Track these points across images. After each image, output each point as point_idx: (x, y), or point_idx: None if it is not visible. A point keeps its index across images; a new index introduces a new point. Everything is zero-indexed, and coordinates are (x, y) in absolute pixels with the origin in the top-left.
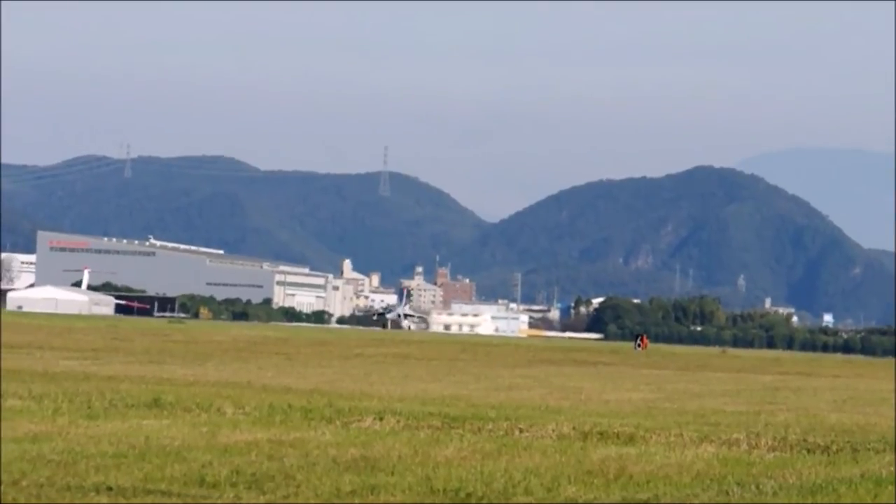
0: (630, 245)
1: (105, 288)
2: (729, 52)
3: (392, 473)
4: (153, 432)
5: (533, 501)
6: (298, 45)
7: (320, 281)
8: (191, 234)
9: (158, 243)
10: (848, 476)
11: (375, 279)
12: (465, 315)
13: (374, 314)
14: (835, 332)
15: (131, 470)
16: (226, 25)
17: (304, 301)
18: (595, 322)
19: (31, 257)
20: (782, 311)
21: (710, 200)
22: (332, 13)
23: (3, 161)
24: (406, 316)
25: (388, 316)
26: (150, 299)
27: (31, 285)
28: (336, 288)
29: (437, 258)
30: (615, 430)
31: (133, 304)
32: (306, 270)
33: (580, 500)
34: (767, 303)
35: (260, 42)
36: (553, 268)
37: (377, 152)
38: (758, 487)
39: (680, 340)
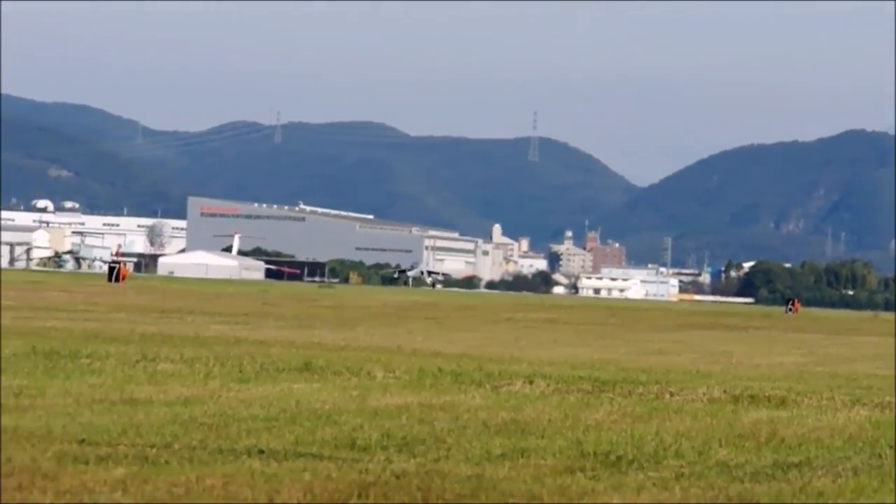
0: (781, 209)
1: (255, 253)
2: (878, 14)
3: (542, 437)
4: (304, 396)
5: (684, 464)
6: (449, 14)
7: (470, 246)
8: (340, 199)
9: (308, 209)
10: None
11: (525, 244)
12: (614, 279)
13: (394, 272)
14: None
15: (282, 433)
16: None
17: (454, 266)
18: (745, 286)
19: (182, 223)
20: None
21: (862, 164)
22: None
23: (154, 128)
24: (430, 273)
25: (410, 273)
26: (300, 264)
27: (182, 251)
28: (486, 253)
29: (587, 223)
30: (766, 394)
31: (283, 269)
32: (455, 235)
33: (731, 463)
34: None
35: (411, 13)
36: (703, 232)
37: (527, 118)
38: None
39: (831, 304)
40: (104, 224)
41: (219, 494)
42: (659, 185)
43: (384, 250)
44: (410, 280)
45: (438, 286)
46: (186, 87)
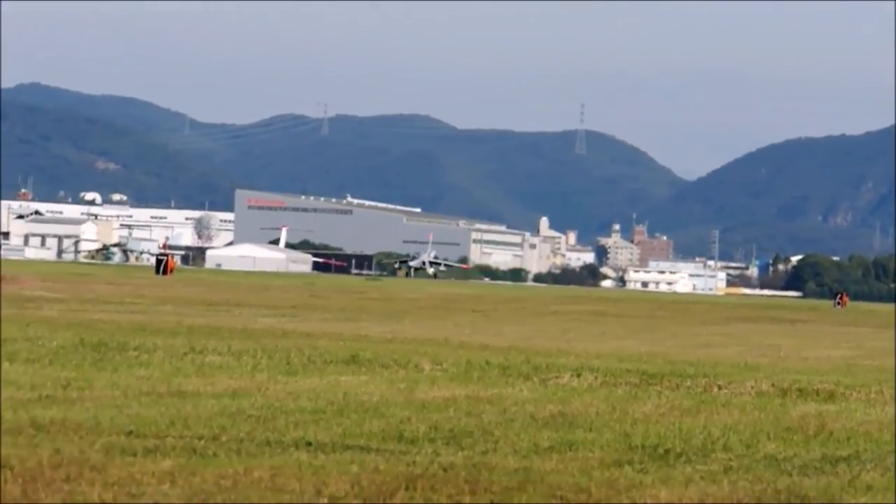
0: (829, 202)
1: (302, 246)
2: None
3: (590, 430)
4: (351, 388)
5: (732, 458)
6: (496, 7)
7: (517, 239)
8: (387, 192)
9: (355, 201)
10: None
11: (572, 237)
12: (662, 273)
13: (396, 262)
14: None
15: (330, 425)
16: None
17: (501, 259)
18: (793, 279)
19: (230, 216)
20: None
21: None
22: None
23: (202, 120)
24: (431, 263)
25: (412, 264)
26: (347, 257)
27: (230, 243)
28: (533, 246)
29: (634, 216)
30: (814, 387)
31: (330, 261)
32: (503, 228)
33: (779, 457)
34: None
35: (457, 6)
36: (751, 225)
37: (574, 110)
38: None
39: (879, 298)
40: (152, 217)
41: (266, 486)
42: (707, 179)
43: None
44: (412, 271)
45: (439, 275)
46: (234, 80)
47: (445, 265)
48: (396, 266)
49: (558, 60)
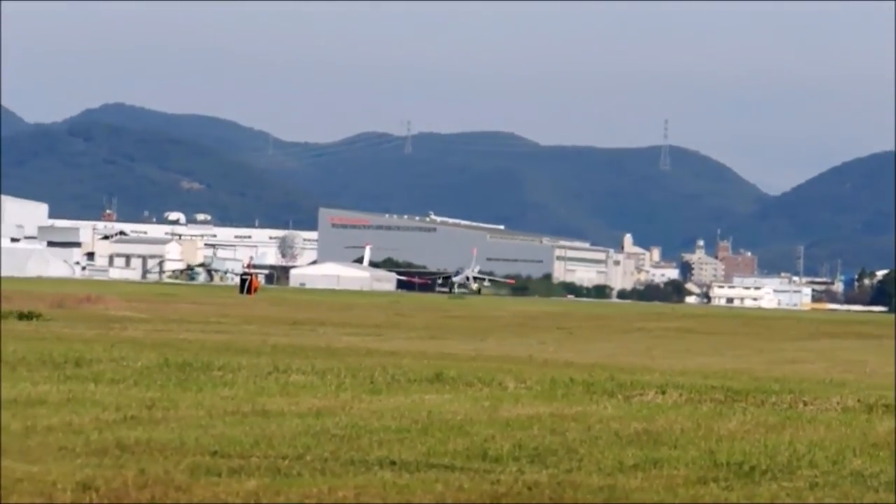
0: None
1: (386, 264)
2: None
3: (675, 447)
4: (435, 407)
5: (818, 474)
6: (579, 21)
7: (601, 255)
8: (470, 209)
9: (439, 219)
10: None
11: (656, 253)
12: (746, 288)
13: (438, 278)
14: None
15: (414, 444)
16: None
17: (585, 276)
18: (879, 295)
19: (313, 234)
20: None
21: None
22: None
23: (286, 139)
24: (475, 279)
25: (455, 279)
26: (431, 275)
27: (314, 262)
28: (617, 262)
29: (719, 232)
30: None
31: (414, 279)
32: (586, 245)
33: (866, 473)
34: None
35: (539, 23)
36: (836, 240)
37: (657, 126)
38: None
39: None
40: (236, 236)
41: None
42: (791, 193)
43: (515, 260)
44: (455, 287)
45: (483, 291)
46: (318, 99)
47: (490, 280)
48: (440, 282)
49: (642, 76)
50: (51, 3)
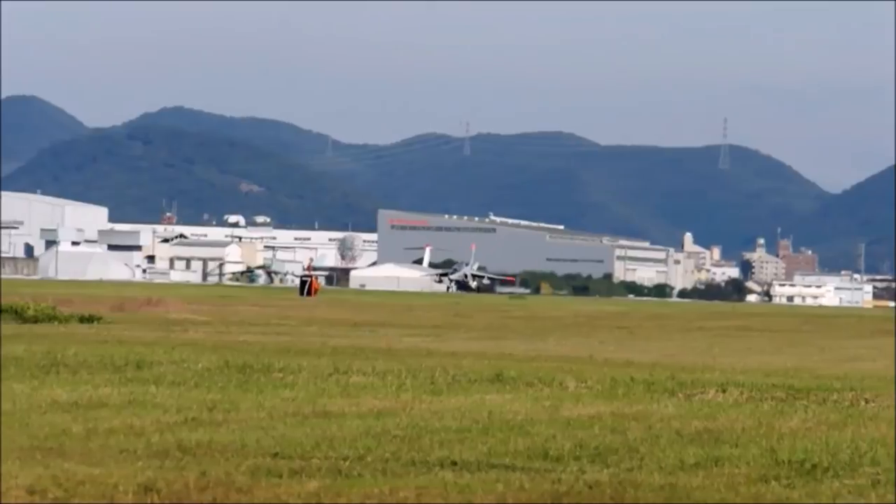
0: None
1: (446, 265)
2: None
3: (736, 445)
4: (496, 407)
5: (880, 472)
6: (637, 21)
7: (661, 255)
8: (530, 209)
9: (498, 220)
10: None
11: (717, 252)
12: (807, 286)
13: (437, 276)
14: None
15: (475, 444)
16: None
17: (645, 275)
18: None
19: (373, 236)
20: None
21: None
22: None
23: (344, 141)
24: (474, 276)
25: (453, 277)
26: (491, 276)
27: (373, 264)
28: (677, 261)
29: (779, 230)
30: None
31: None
32: (646, 244)
33: None
34: None
35: (598, 23)
36: None
37: (717, 125)
38: None
39: None
40: (295, 238)
41: None
42: (851, 191)
43: (575, 261)
44: (453, 284)
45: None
46: (376, 100)
47: (489, 278)
48: (437, 280)
49: (701, 75)
50: (109, 5)
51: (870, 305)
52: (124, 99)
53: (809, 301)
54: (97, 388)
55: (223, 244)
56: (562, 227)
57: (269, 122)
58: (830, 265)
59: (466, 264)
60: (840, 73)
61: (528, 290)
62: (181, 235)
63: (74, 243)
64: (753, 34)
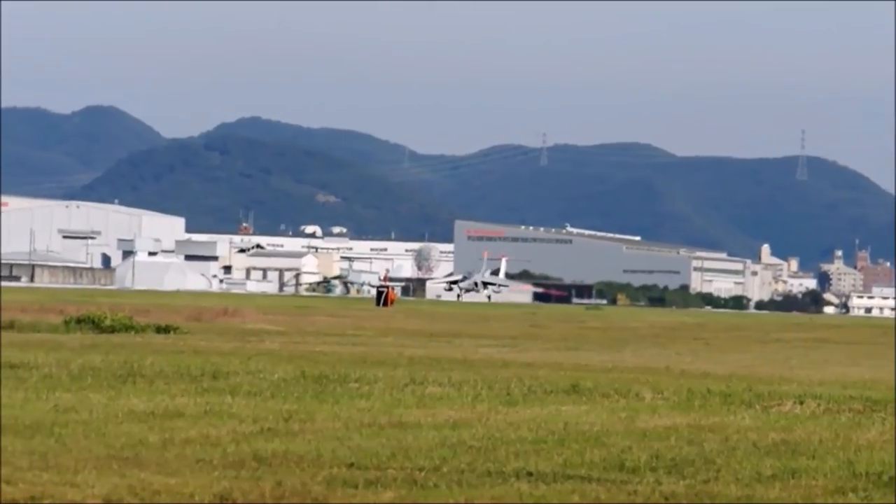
0: None
1: (522, 276)
2: None
3: (813, 457)
4: (572, 418)
5: None
6: (713, 32)
7: (738, 266)
8: (606, 220)
9: (575, 231)
10: None
11: (794, 264)
12: (885, 298)
13: (447, 284)
14: None
15: (551, 455)
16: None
17: (722, 286)
18: None
19: (449, 246)
20: None
21: None
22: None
23: (421, 152)
24: (486, 284)
25: (463, 285)
26: (568, 287)
27: (449, 274)
28: (754, 273)
29: (857, 242)
30: None
31: (550, 291)
32: (723, 256)
33: None
34: None
35: (674, 34)
36: None
37: (794, 136)
38: None
39: None
40: (372, 249)
41: None
42: None
43: (651, 272)
44: (463, 292)
45: (493, 297)
46: (453, 112)
47: (500, 285)
48: (447, 288)
49: (778, 86)
50: (186, 18)
51: None
52: (202, 109)
53: (887, 313)
54: (173, 398)
55: (300, 255)
56: (638, 238)
57: (345, 133)
58: None
59: (492, 272)
60: None
61: (604, 301)
62: (258, 246)
63: (151, 253)
64: (832, 44)
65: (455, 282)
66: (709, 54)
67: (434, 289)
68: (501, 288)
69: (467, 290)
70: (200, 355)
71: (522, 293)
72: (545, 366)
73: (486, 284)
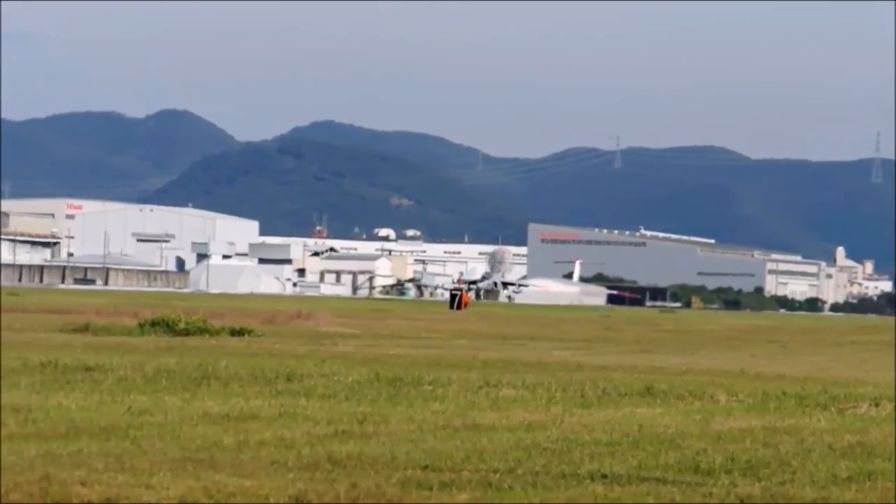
0: None
1: (596, 279)
2: None
3: (889, 460)
4: (646, 420)
5: None
6: (785, 34)
7: (813, 269)
8: (680, 223)
9: (649, 233)
10: None
11: (869, 266)
12: None
13: (466, 283)
14: None
15: (625, 457)
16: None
17: (797, 289)
18: None
19: (523, 249)
20: None
21: None
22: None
23: (494, 155)
24: (505, 284)
25: (481, 285)
26: (642, 289)
27: (523, 277)
28: (829, 276)
29: None
30: None
31: (625, 294)
32: (798, 258)
33: None
34: None
35: (749, 37)
36: None
37: (869, 139)
38: None
39: None
40: (445, 251)
41: None
42: None
43: (726, 274)
44: (482, 293)
45: (514, 297)
46: (527, 115)
47: (520, 285)
48: (465, 289)
49: (852, 87)
50: (261, 24)
51: None
52: (275, 113)
53: None
54: (248, 401)
55: (373, 258)
56: (713, 240)
57: (419, 136)
58: None
59: (495, 274)
60: None
61: (678, 304)
62: (332, 249)
63: (225, 256)
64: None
65: (473, 282)
66: (782, 57)
67: (507, 291)
68: (521, 288)
69: (487, 291)
70: (275, 358)
71: (596, 296)
72: (619, 368)
73: (505, 285)
